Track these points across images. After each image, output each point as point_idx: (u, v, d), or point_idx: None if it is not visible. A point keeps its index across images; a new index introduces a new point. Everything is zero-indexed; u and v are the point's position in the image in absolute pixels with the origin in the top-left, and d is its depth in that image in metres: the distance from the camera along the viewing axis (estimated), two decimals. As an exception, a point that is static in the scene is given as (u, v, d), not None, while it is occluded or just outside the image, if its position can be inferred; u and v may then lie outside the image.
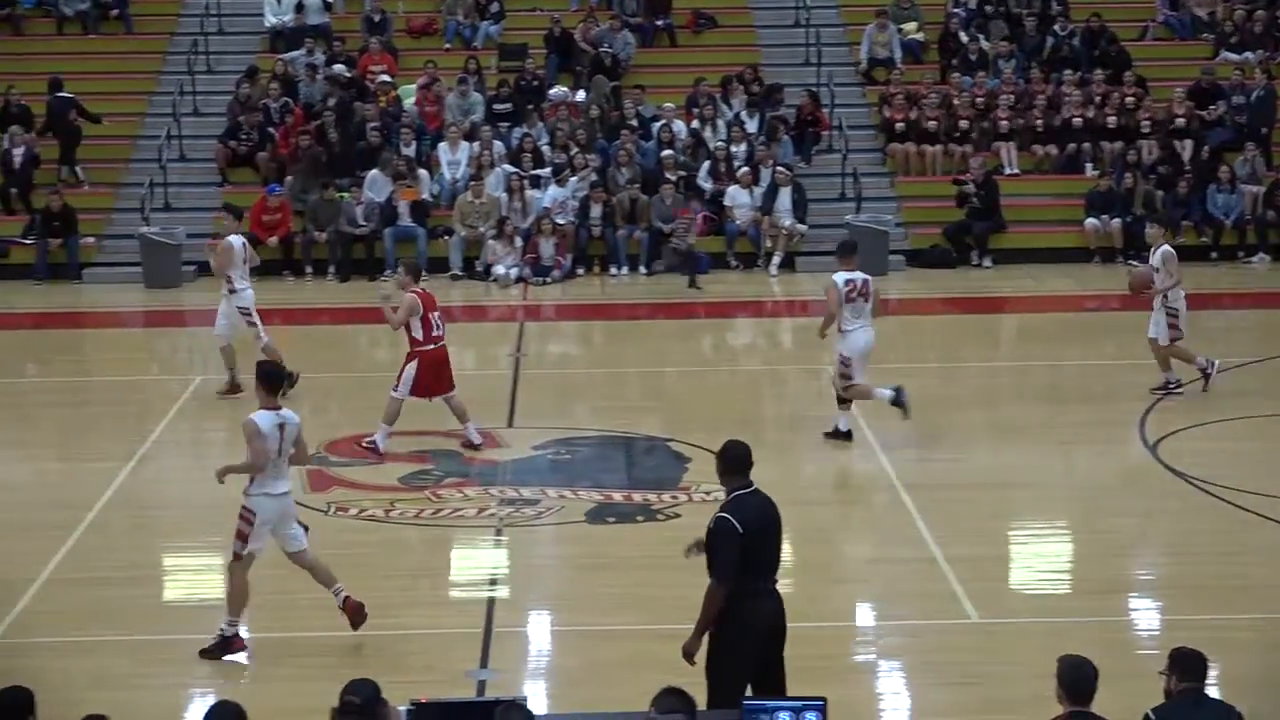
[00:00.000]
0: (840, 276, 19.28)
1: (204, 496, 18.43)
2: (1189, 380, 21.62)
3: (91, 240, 30.44)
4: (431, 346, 19.31)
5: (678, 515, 17.04)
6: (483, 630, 14.42)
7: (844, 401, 19.63)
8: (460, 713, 9.97)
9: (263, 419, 13.82)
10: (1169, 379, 21.47)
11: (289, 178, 31.17)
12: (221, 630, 13.93)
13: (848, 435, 19.66)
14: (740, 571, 10.88)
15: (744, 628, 10.91)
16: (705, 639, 11.00)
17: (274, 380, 14.18)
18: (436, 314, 19.48)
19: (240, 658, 13.86)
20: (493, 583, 15.87)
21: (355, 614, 14.13)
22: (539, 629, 14.99)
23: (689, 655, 11.00)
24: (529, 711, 9.04)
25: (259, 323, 21.90)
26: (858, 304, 19.23)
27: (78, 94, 33.35)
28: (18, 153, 31.13)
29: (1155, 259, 21.37)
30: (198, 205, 31.46)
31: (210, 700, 12.70)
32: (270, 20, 35.12)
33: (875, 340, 19.52)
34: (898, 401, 19.57)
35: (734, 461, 11.20)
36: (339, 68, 33.18)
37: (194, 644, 14.38)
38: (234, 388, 21.75)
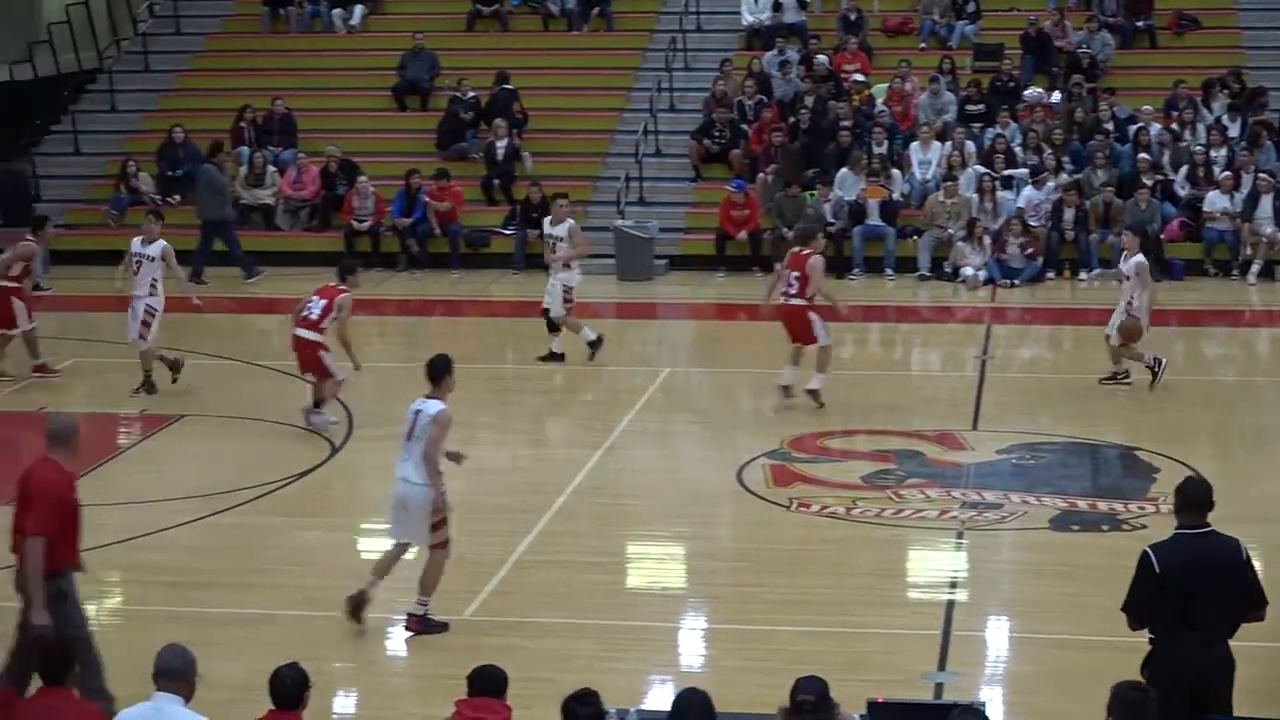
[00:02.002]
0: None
1: (670, 487, 18.82)
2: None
3: (567, 232, 31.14)
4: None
5: (1144, 526, 16.67)
6: (940, 633, 14.36)
7: (555, 329, 23.68)
8: (916, 714, 9.97)
9: (412, 403, 14.41)
10: (1118, 371, 22.14)
11: (759, 175, 31.45)
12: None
13: (560, 357, 23.69)
14: (1159, 614, 10.57)
15: (1158, 677, 10.52)
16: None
17: (430, 370, 14.51)
18: (793, 273, 20.96)
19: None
20: (952, 585, 15.79)
21: (418, 630, 14.33)
22: (997, 634, 14.86)
23: None
24: (985, 717, 8.97)
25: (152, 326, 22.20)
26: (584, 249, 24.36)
27: (559, 89, 34.26)
28: (500, 145, 32.06)
29: (1128, 267, 21.66)
30: (671, 200, 32.01)
31: (671, 686, 12.98)
32: (747, 18, 35.47)
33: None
34: (595, 344, 23.64)
35: (1184, 499, 10.80)
36: (821, 58, 33.35)
37: (657, 631, 14.70)
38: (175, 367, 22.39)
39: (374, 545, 17.52)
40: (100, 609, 15.24)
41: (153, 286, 22.23)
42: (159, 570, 15.19)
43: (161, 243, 22.37)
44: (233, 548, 16.87)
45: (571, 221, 24.24)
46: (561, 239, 23.83)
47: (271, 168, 32.22)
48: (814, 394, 20.83)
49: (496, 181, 31.95)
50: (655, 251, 30.34)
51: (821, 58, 33.52)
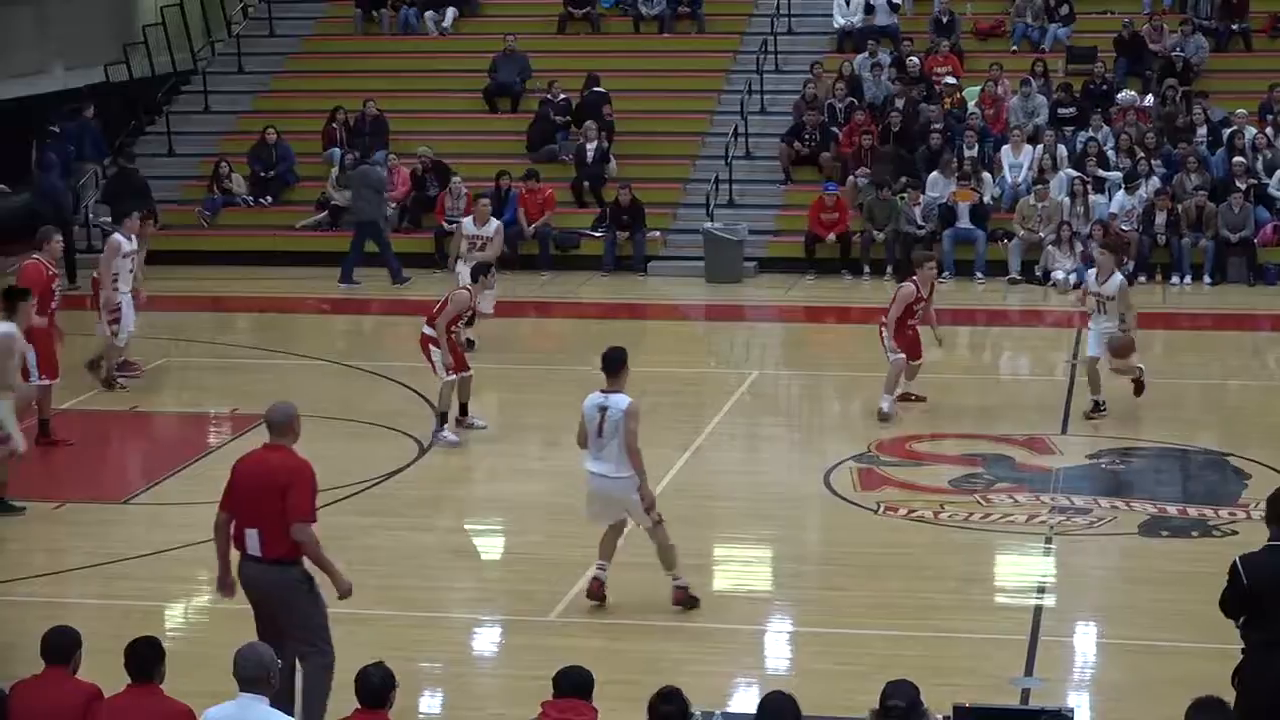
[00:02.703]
0: None
1: (757, 489, 18.79)
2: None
3: (657, 234, 31.18)
4: None
5: (1234, 533, 16.56)
6: (1028, 637, 14.30)
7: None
8: (1003, 719, 9.91)
9: (588, 399, 14.58)
10: (1099, 400, 20.89)
11: (849, 177, 31.36)
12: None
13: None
14: (1250, 623, 10.48)
15: (1248, 688, 10.40)
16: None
17: (608, 363, 14.71)
18: None
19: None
20: (1040, 590, 15.72)
21: (685, 603, 14.78)
22: (1085, 640, 14.78)
23: None
24: (1073, 723, 8.92)
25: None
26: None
27: (650, 91, 34.30)
28: (591, 148, 32.09)
29: (1109, 288, 20.64)
30: (761, 203, 31.96)
31: (756, 690, 12.98)
32: (839, 21, 35.36)
33: None
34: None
35: (1274, 509, 10.68)
36: (913, 61, 33.24)
37: (743, 634, 14.70)
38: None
39: (462, 545, 17.66)
40: (189, 606, 15.39)
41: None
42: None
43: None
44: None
45: (497, 221, 25.54)
46: (490, 238, 24.74)
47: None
48: (879, 410, 20.73)
49: (586, 184, 31.99)
50: (744, 254, 30.31)
51: (913, 60, 33.41)
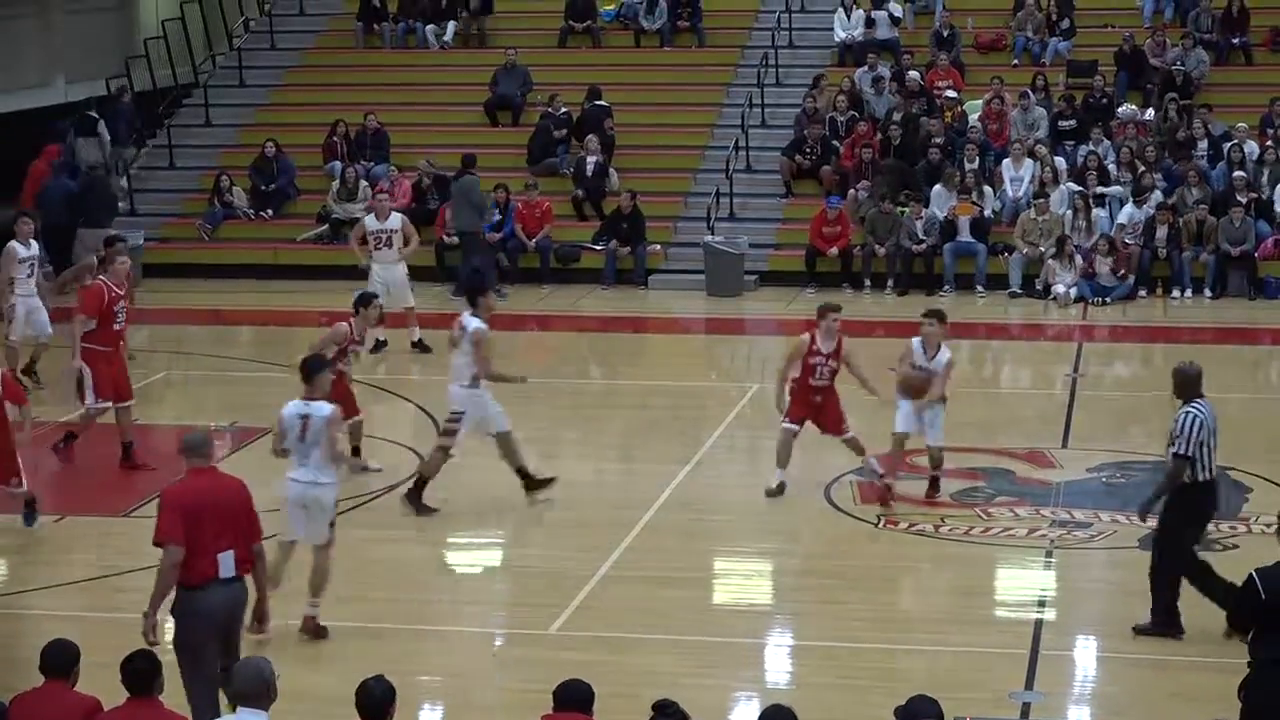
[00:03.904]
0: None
1: (758, 503, 18.76)
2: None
3: (658, 248, 31.19)
4: None
5: (1235, 546, 16.55)
6: (1028, 651, 14.28)
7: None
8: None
9: (287, 408, 14.50)
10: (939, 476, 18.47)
11: (850, 190, 31.36)
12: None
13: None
14: (1261, 637, 10.44)
15: (1255, 701, 10.37)
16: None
17: (307, 370, 14.61)
18: None
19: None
20: (1040, 604, 15.72)
21: (314, 633, 14.48)
22: (1086, 654, 14.75)
23: None
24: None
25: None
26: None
27: (651, 105, 34.32)
28: (590, 161, 32.08)
29: (939, 363, 17.91)
30: (762, 216, 31.97)
31: (757, 703, 12.97)
32: (839, 35, 35.39)
33: None
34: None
35: None
36: (914, 74, 33.26)
37: (742, 648, 14.68)
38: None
39: (464, 558, 17.65)
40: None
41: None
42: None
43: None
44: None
45: (402, 215, 25.97)
46: (396, 230, 25.13)
47: (364, 182, 32.37)
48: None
49: (581, 193, 31.94)
50: (745, 267, 30.31)
51: (914, 74, 33.43)
